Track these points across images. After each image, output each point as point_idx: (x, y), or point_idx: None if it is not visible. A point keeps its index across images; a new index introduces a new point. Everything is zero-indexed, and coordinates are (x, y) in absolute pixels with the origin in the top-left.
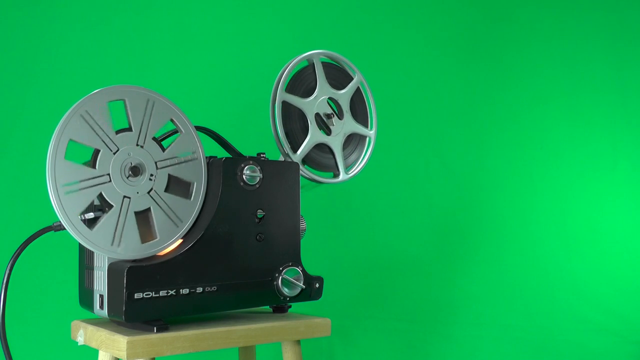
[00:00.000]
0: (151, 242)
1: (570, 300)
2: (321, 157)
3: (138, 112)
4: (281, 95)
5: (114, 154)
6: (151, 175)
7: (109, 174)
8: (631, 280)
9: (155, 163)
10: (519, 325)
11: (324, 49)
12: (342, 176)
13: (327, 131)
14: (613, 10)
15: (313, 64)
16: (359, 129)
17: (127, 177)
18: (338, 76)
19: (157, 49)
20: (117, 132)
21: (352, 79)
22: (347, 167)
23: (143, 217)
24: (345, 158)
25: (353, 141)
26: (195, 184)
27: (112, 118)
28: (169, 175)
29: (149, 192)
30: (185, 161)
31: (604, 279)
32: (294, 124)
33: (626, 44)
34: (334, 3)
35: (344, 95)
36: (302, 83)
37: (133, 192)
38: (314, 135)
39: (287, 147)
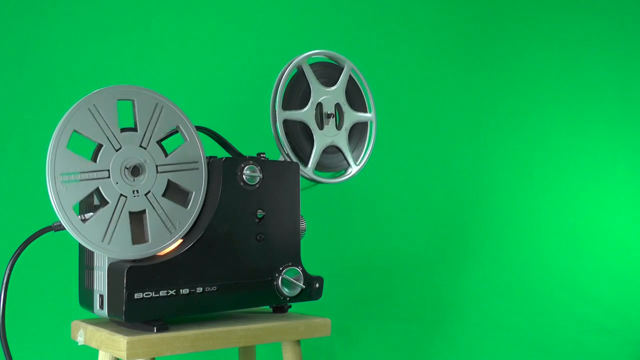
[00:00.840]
0: (142, 244)
1: (570, 300)
2: (329, 159)
3: (145, 114)
4: (280, 115)
5: (116, 151)
6: (150, 177)
7: (108, 170)
8: (631, 280)
9: (157, 167)
10: (520, 325)
11: (316, 48)
12: (354, 168)
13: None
14: (613, 15)
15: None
16: (360, 117)
17: (127, 176)
18: (329, 72)
19: (157, 49)
20: (122, 130)
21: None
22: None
23: (137, 219)
24: (352, 151)
25: (355, 132)
26: (193, 193)
27: (119, 116)
28: (169, 180)
29: (146, 194)
30: (186, 169)
31: (604, 279)
32: (299, 137)
33: (626, 47)
34: (334, 4)
35: (338, 91)
36: (296, 93)
37: (130, 191)
38: (319, 142)
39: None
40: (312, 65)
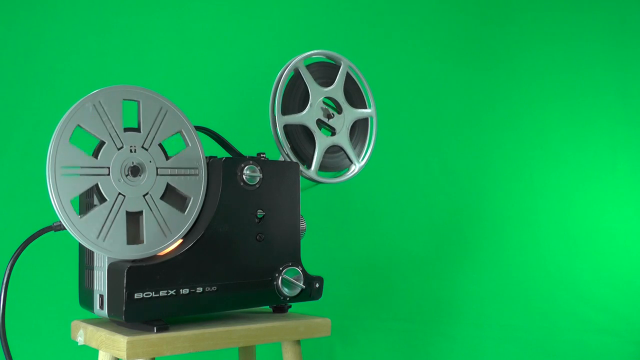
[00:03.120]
0: (136, 245)
1: (570, 300)
2: (332, 159)
3: (150, 116)
4: (280, 120)
5: (118, 149)
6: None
7: (108, 168)
8: (631, 280)
9: (157, 169)
10: (520, 325)
11: (315, 49)
12: (358, 166)
13: (332, 130)
14: (613, 12)
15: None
16: (360, 113)
17: (126, 176)
18: (326, 72)
19: (157, 49)
20: (125, 129)
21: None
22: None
23: (133, 219)
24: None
25: (356, 130)
26: (192, 199)
27: (123, 116)
28: (168, 184)
29: (144, 196)
30: (186, 174)
31: (604, 279)
32: (300, 140)
33: (627, 45)
34: (333, 4)
35: (336, 89)
36: (295, 96)
37: (129, 191)
38: (321, 144)
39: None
40: (309, 67)
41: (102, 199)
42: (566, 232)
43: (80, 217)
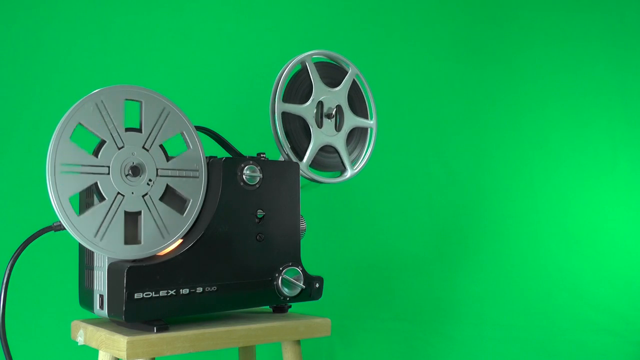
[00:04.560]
0: (134, 245)
1: (570, 300)
2: (326, 158)
3: (152, 117)
4: (280, 107)
5: (119, 149)
6: (149, 180)
7: (108, 167)
8: (631, 280)
9: (157, 170)
10: (520, 325)
11: (320, 48)
12: (350, 172)
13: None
14: (613, 12)
15: (305, 66)
16: (360, 122)
17: (126, 175)
18: (333, 73)
19: (157, 49)
20: (127, 129)
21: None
22: (352, 163)
23: (132, 219)
24: (349, 154)
25: (355, 136)
26: (191, 201)
27: (125, 116)
28: (167, 185)
29: (143, 196)
30: (186, 176)
31: (604, 279)
32: (296, 132)
33: (626, 45)
34: (332, 4)
35: (340, 92)
36: (298, 89)
37: (128, 191)
38: (317, 139)
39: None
40: (315, 64)
41: (101, 198)
42: (566, 232)
43: (79, 216)
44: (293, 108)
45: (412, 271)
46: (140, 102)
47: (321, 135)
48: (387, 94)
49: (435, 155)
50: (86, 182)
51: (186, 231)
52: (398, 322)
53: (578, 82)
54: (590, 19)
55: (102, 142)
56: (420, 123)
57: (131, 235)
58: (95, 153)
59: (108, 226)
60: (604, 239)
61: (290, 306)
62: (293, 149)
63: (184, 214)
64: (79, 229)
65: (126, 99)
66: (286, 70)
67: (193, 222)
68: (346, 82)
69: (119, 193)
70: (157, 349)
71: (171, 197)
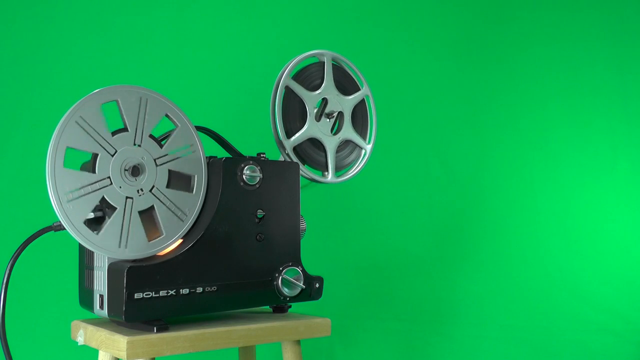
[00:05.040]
0: (158, 239)
1: (570, 300)
2: (314, 153)
3: (132, 111)
4: (286, 80)
5: (112, 156)
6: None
7: (109, 177)
8: (631, 280)
9: (155, 160)
10: (520, 325)
11: (328, 49)
12: (331, 178)
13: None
14: (613, 12)
15: (323, 62)
16: (357, 139)
17: (128, 178)
18: (345, 82)
19: (157, 49)
20: (114, 133)
21: (359, 89)
22: (338, 171)
23: (147, 216)
24: (339, 160)
25: (349, 146)
26: (196, 176)
27: (108, 119)
28: (169, 170)
29: (150, 190)
30: (183, 155)
31: (604, 279)
32: (293, 114)
33: (626, 45)
34: (333, 4)
35: (347, 102)
36: (308, 77)
37: (135, 192)
38: (310, 128)
39: (281, 132)
40: (299, 75)
41: (112, 208)
42: (566, 232)
43: (97, 234)
44: (298, 88)
45: (412, 271)
46: (117, 100)
47: (315, 127)
48: (386, 94)
49: (435, 155)
50: (94, 200)
51: (201, 206)
52: (398, 322)
53: (578, 82)
54: (590, 19)
55: (95, 156)
56: (420, 123)
57: (152, 231)
58: (92, 168)
59: (128, 232)
60: (604, 239)
61: (290, 306)
62: (284, 125)
63: (194, 191)
64: (103, 246)
65: (102, 103)
66: (303, 55)
67: (205, 194)
68: (356, 97)
69: (127, 197)
70: (157, 349)
71: (177, 180)
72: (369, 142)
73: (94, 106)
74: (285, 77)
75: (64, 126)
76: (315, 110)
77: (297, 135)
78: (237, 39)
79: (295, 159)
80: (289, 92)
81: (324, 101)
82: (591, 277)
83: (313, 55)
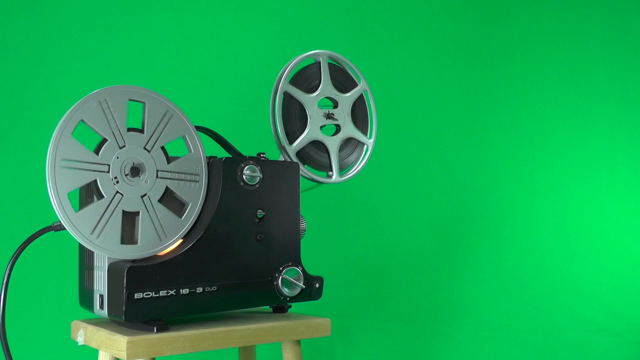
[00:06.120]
0: (130, 245)
1: (570, 300)
2: (317, 155)
3: (154, 118)
4: (284, 86)
5: (120, 148)
6: (146, 181)
7: (108, 165)
8: (631, 280)
9: (157, 171)
10: (519, 325)
11: (328, 49)
12: (335, 178)
13: (337, 127)
14: (613, 12)
15: (319, 62)
16: (358, 135)
17: (126, 175)
18: (342, 79)
19: (157, 49)
20: (129, 129)
21: (356, 85)
22: (342, 170)
23: (129, 219)
24: (341, 160)
25: (351, 144)
26: (190, 205)
27: (128, 116)
28: (167, 187)
29: (142, 196)
30: (186, 180)
31: (604, 279)
32: (294, 118)
33: (626, 44)
34: (333, 4)
35: (346, 99)
36: (306, 79)
37: (127, 190)
38: (311, 131)
39: (283, 139)
40: (297, 77)
41: (100, 196)
42: (566, 232)
43: (77, 212)
44: (297, 92)
45: (412, 271)
46: (144, 103)
47: (316, 130)
48: (386, 94)
49: (435, 155)
50: (85, 178)
51: (186, 231)
52: (398, 322)
53: (578, 81)
54: (590, 19)
55: (104, 141)
56: (420, 123)
57: (128, 235)
58: (96, 151)
59: (105, 224)
60: (604, 239)
61: (290, 306)
62: (286, 131)
63: (182, 218)
64: (77, 225)
65: (130, 99)
66: (299, 57)
67: (193, 222)
68: (354, 93)
69: (117, 192)
70: (157, 349)
71: (170, 200)
72: (370, 137)
73: (121, 97)
74: (283, 82)
75: (87, 100)
76: (314, 110)
77: (299, 140)
78: (237, 39)
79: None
80: (288, 97)
81: (334, 102)
82: (591, 277)
83: (309, 57)
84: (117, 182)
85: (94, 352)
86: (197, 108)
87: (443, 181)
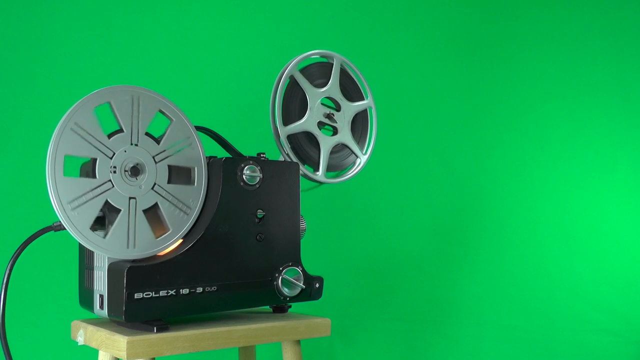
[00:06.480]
0: (165, 235)
1: (570, 300)
2: (307, 147)
3: (125, 111)
4: (292, 70)
5: (111, 158)
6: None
7: (110, 180)
8: (631, 280)
9: (153, 157)
10: (519, 325)
11: (328, 49)
12: (320, 177)
13: (334, 130)
14: (614, 11)
15: (332, 63)
16: (354, 146)
17: (129, 178)
18: (350, 88)
19: (157, 49)
20: (110, 135)
21: (363, 98)
22: (328, 172)
23: (152, 213)
24: (332, 161)
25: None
26: (196, 168)
27: (104, 122)
28: (169, 166)
29: (152, 188)
30: (181, 149)
31: (604, 279)
32: (294, 104)
33: (627, 44)
34: (333, 4)
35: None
36: (314, 74)
37: (137, 191)
38: (308, 121)
39: (278, 119)
40: (304, 69)
41: (116, 210)
42: (566, 232)
43: (104, 238)
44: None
45: (412, 271)
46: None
47: (313, 123)
48: (387, 94)
49: (435, 155)
50: (97, 205)
51: (204, 196)
52: (398, 322)
53: (578, 82)
54: (590, 19)
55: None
56: (421, 123)
57: (158, 228)
58: (92, 173)
59: (135, 232)
60: (604, 239)
61: (290, 306)
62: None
63: (195, 183)
64: (112, 249)
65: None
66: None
67: (206, 185)
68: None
69: (130, 198)
70: (157, 349)
71: (177, 175)
72: (365, 153)
73: (88, 111)
74: (292, 67)
75: (60, 135)
76: (317, 126)
77: (293, 124)
78: (237, 39)
79: (292, 155)
80: (293, 83)
81: (337, 106)
82: (591, 277)
83: (323, 55)
84: (115, 172)
85: (94, 352)
86: (197, 108)
87: (443, 181)
